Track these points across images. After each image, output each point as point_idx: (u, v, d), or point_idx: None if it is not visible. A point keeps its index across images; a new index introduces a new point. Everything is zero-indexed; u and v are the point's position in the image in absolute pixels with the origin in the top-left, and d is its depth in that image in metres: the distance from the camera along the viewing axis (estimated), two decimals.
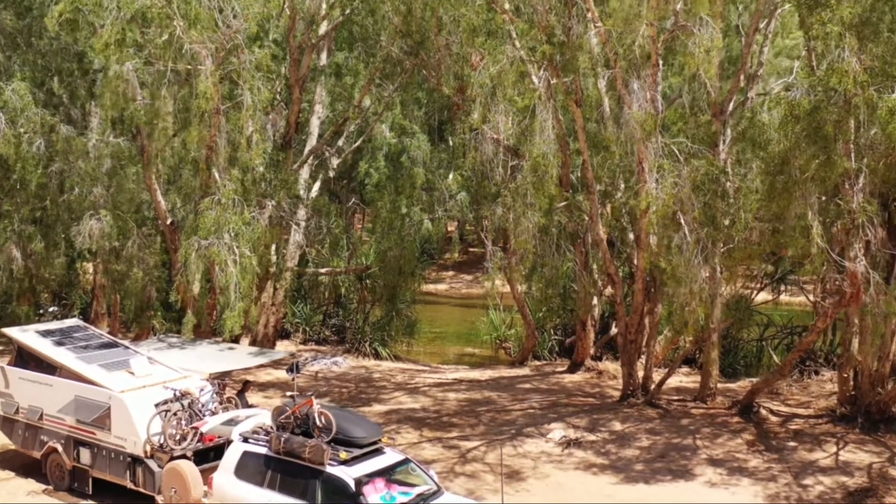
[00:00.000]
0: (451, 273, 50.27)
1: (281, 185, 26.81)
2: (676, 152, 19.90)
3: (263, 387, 27.06)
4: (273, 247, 29.76)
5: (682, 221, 20.09)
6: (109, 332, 31.65)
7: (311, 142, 30.76)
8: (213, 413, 18.21)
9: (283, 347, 33.67)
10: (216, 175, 23.09)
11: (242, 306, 21.13)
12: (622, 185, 26.47)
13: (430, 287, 43.61)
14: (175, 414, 17.62)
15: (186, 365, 19.71)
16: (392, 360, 32.13)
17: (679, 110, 23.01)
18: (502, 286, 30.96)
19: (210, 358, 20.65)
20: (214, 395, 18.63)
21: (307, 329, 34.68)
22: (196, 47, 19.64)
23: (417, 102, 36.71)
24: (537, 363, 31.38)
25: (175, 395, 17.86)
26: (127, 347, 20.31)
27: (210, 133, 22.64)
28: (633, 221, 24.48)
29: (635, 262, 26.42)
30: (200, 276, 21.68)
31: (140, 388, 18.22)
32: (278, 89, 29.23)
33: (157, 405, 17.77)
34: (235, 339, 30.21)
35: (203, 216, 21.68)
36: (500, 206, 24.80)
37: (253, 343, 32.70)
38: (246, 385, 21.42)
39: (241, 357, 21.34)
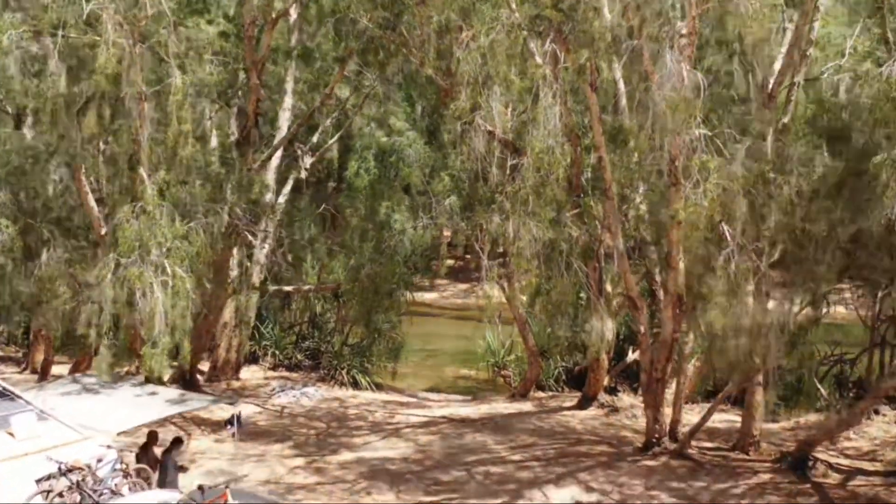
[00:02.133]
0: (444, 281, 45.61)
1: (236, 188, 22.54)
2: (721, 146, 15.40)
3: (215, 426, 22.54)
4: (234, 260, 25.58)
5: (728, 236, 15.64)
6: (44, 360, 27.57)
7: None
8: (114, 492, 13.84)
9: (251, 374, 29.38)
10: (144, 176, 18.72)
11: (168, 342, 16.72)
12: (641, 188, 22.00)
13: (421, 296, 38.90)
14: (60, 495, 13.30)
15: (90, 420, 15.36)
16: (372, 390, 27.73)
17: (719, 92, 18.45)
18: (499, 297, 26.52)
19: (123, 408, 16.30)
20: (117, 466, 14.26)
21: (277, 353, 30.19)
22: (98, 10, 15.25)
23: (409, 99, 32.38)
24: (541, 395, 26.93)
25: (60, 469, 13.50)
26: (16, 398, 15.93)
27: (136, 123, 18.33)
28: (659, 232, 19.94)
29: (657, 278, 22.05)
30: (119, 304, 17.33)
31: (18, 456, 13.97)
32: (241, 77, 24.86)
33: (38, 482, 13.47)
34: (192, 369, 25.95)
35: (123, 228, 17.39)
36: (496, 212, 20.37)
37: (213, 370, 28.63)
38: (176, 442, 16.99)
39: (159, 406, 16.87)
